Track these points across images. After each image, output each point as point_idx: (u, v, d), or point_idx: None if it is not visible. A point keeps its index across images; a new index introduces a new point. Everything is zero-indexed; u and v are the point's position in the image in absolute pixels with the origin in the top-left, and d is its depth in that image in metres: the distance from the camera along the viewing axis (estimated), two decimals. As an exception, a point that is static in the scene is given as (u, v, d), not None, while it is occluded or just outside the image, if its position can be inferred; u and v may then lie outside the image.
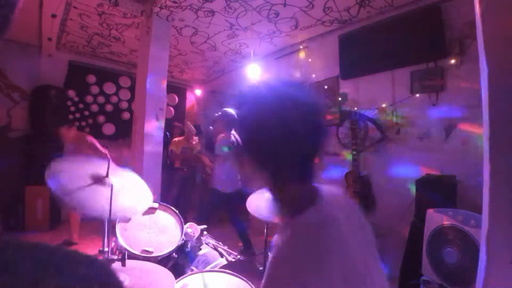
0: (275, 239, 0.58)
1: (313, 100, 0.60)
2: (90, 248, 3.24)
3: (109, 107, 4.88)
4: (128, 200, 1.30)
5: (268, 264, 0.56)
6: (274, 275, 0.53)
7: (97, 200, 1.17)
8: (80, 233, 3.52)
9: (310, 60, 3.72)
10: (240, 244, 3.00)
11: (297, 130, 0.54)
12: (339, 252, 0.55)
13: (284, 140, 0.54)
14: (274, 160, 0.57)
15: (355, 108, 3.10)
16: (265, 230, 1.81)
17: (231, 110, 2.93)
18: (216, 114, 3.03)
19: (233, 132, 3.00)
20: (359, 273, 0.56)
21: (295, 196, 0.60)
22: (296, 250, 0.54)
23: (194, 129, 4.38)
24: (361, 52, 3.07)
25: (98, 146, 3.37)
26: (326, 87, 3.50)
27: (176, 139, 4.43)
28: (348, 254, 0.56)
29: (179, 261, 1.66)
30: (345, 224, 0.59)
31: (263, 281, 0.54)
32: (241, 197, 3.22)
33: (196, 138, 4.42)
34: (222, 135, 2.91)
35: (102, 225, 1.39)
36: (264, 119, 0.55)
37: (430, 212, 1.93)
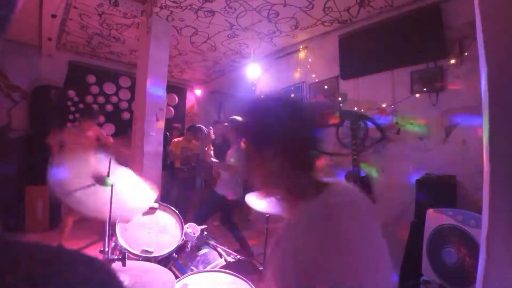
0: (282, 233, 0.61)
1: (306, 106, 0.76)
2: (90, 248, 3.23)
3: (109, 107, 4.88)
4: (130, 201, 1.30)
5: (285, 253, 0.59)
6: (298, 264, 0.55)
7: (97, 200, 1.18)
8: (80, 234, 3.51)
9: (310, 60, 3.72)
10: (237, 246, 3.01)
11: (293, 125, 0.68)
12: (352, 236, 0.57)
13: (288, 132, 0.67)
14: (281, 148, 0.67)
15: (355, 108, 3.10)
16: (265, 231, 1.82)
17: (240, 118, 2.97)
18: (226, 124, 3.08)
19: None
20: (371, 259, 0.57)
21: (299, 183, 0.68)
22: (309, 237, 0.58)
23: (213, 136, 4.09)
24: (361, 52, 3.07)
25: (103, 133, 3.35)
26: (326, 87, 3.50)
27: (175, 139, 4.42)
28: (360, 239, 0.58)
29: (179, 261, 1.66)
30: (354, 210, 0.64)
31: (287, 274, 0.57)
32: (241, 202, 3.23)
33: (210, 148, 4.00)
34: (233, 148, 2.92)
35: (103, 225, 1.39)
36: (274, 117, 0.68)
37: (430, 212, 1.93)
